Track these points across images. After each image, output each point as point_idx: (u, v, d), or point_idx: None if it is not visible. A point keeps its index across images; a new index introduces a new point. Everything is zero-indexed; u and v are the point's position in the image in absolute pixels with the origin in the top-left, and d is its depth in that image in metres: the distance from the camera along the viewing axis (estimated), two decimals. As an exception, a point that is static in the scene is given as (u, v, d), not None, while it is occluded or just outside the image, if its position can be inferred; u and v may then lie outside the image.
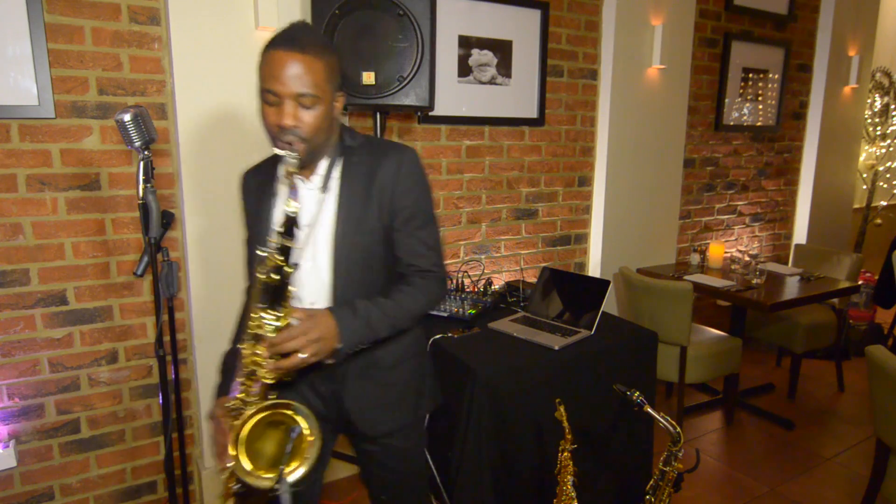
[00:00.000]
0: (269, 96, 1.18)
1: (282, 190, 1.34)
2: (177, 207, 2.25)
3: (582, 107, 3.23)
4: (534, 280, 2.89)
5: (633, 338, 2.31)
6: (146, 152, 1.64)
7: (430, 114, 2.68)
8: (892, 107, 4.91)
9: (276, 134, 1.19)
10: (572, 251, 3.37)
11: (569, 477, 1.80)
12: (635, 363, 2.27)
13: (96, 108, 2.09)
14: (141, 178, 1.64)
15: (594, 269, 3.40)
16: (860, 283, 3.85)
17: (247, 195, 1.44)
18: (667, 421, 1.65)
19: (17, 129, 1.98)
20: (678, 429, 1.66)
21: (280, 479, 1.11)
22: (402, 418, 1.45)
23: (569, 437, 1.79)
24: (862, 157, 4.81)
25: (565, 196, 3.28)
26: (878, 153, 4.96)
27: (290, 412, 1.18)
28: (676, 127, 3.51)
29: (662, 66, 3.29)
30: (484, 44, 2.86)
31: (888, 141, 4.93)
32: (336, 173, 1.31)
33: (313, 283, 1.32)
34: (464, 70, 2.83)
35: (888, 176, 5.05)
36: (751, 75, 3.92)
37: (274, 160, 1.38)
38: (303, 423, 1.16)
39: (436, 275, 1.38)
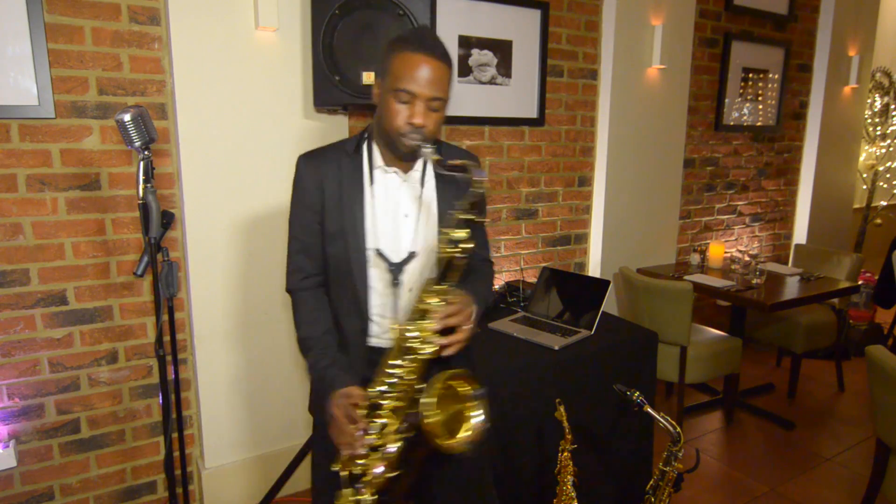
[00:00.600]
0: (404, 95, 1.26)
1: (378, 173, 1.39)
2: (177, 207, 2.25)
3: (582, 107, 3.23)
4: (534, 280, 2.89)
5: (633, 338, 2.31)
6: (146, 152, 1.64)
7: (430, 114, 2.68)
8: (892, 107, 4.91)
9: (402, 130, 1.28)
10: (572, 251, 3.37)
11: (569, 477, 1.80)
12: (635, 363, 2.27)
13: (96, 108, 2.09)
14: (141, 178, 1.64)
15: (594, 269, 3.40)
16: (860, 283, 3.86)
17: (317, 179, 1.39)
18: (667, 421, 1.65)
19: (17, 129, 1.98)
20: (678, 429, 1.66)
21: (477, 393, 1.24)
22: None
23: (569, 437, 1.79)
24: (862, 157, 4.81)
25: (565, 196, 3.28)
26: (878, 153, 4.96)
27: (460, 383, 1.27)
28: (676, 127, 3.51)
29: (662, 66, 3.29)
30: (484, 44, 2.86)
31: (888, 141, 4.93)
32: (430, 170, 1.42)
33: (416, 269, 1.40)
34: (464, 70, 2.82)
35: (888, 176, 5.06)
36: (751, 75, 3.92)
37: (342, 149, 1.42)
38: (476, 387, 1.28)
39: (491, 263, 1.60)
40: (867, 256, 4.21)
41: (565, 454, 1.80)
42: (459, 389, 1.27)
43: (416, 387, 1.28)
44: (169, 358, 1.92)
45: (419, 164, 1.41)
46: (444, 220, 1.39)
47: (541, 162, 3.16)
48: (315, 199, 1.39)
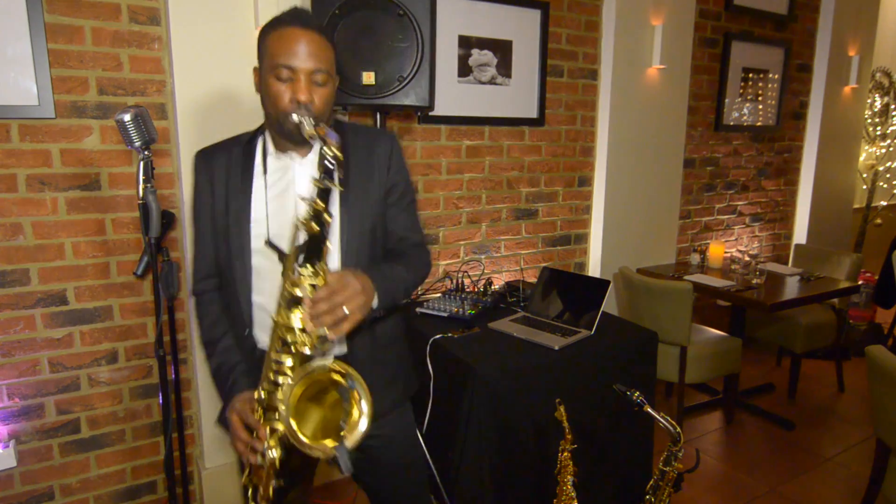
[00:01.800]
0: (284, 72, 1.19)
1: (270, 160, 1.31)
2: (177, 207, 2.25)
3: (582, 107, 3.23)
4: (534, 280, 2.89)
5: (633, 338, 2.31)
6: (146, 152, 1.64)
7: (430, 114, 2.68)
8: (892, 107, 4.91)
9: (288, 110, 1.19)
10: (572, 251, 3.37)
11: (569, 477, 1.80)
12: (635, 363, 2.27)
13: (96, 108, 2.09)
14: (141, 178, 1.64)
15: (594, 269, 3.40)
16: (860, 283, 3.85)
17: (210, 174, 1.34)
18: (667, 421, 1.65)
19: (17, 129, 1.98)
20: (678, 429, 1.66)
21: (341, 442, 1.07)
22: (394, 398, 1.46)
23: (569, 437, 1.79)
24: (862, 157, 4.81)
25: (565, 196, 3.28)
26: (878, 153, 4.96)
27: (334, 376, 1.12)
28: (676, 127, 3.51)
29: (662, 66, 3.29)
30: (484, 44, 2.86)
31: (888, 141, 4.92)
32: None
33: None
34: (464, 70, 2.83)
35: (888, 176, 5.05)
36: (751, 75, 3.92)
37: (238, 140, 1.35)
38: (346, 379, 1.12)
39: (425, 249, 1.46)
40: (867, 256, 4.21)
41: (565, 454, 1.80)
42: (335, 381, 1.13)
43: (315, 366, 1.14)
44: (169, 358, 1.92)
45: (317, 146, 1.27)
46: (350, 206, 1.30)
47: (541, 162, 3.16)
48: (206, 195, 1.34)
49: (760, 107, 4.04)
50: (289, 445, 1.13)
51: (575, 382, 2.10)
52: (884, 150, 4.95)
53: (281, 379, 1.14)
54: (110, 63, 2.09)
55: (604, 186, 3.29)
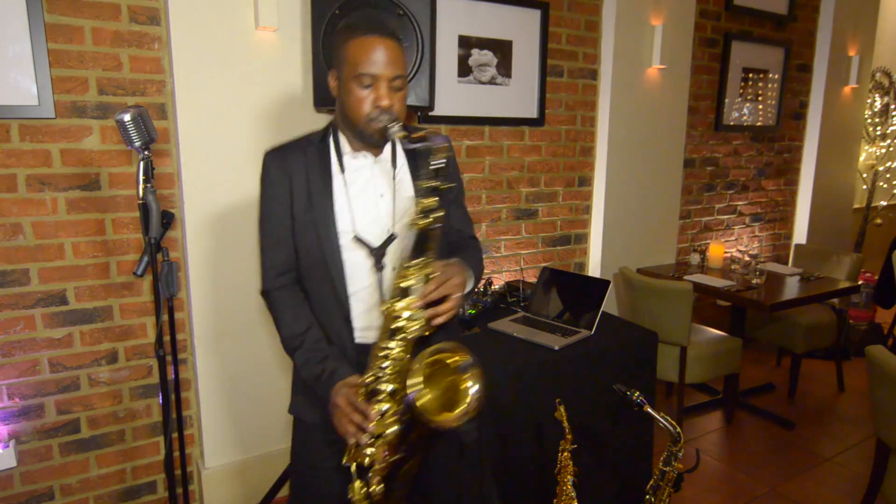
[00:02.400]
0: (366, 79, 1.26)
1: (346, 160, 1.38)
2: (177, 207, 2.25)
3: (582, 107, 3.23)
4: (534, 280, 2.89)
5: (633, 338, 2.31)
6: (146, 152, 1.64)
7: (430, 114, 2.68)
8: (892, 107, 4.91)
9: (371, 115, 1.27)
10: (572, 251, 3.37)
11: (569, 477, 1.80)
12: (635, 363, 2.27)
13: (96, 108, 2.09)
14: (141, 178, 1.64)
15: (594, 269, 3.40)
16: (860, 283, 3.85)
17: (284, 173, 1.37)
18: (667, 421, 1.65)
19: (17, 129, 1.98)
20: (678, 429, 1.66)
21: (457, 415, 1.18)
22: None
23: (569, 437, 1.79)
24: (862, 157, 4.81)
25: (565, 196, 3.28)
26: (878, 153, 4.96)
27: (450, 355, 1.23)
28: (676, 127, 3.51)
29: (662, 66, 3.29)
30: (484, 44, 2.86)
31: (888, 141, 4.92)
32: (399, 150, 1.41)
33: (398, 251, 1.36)
34: (464, 70, 2.83)
35: (888, 176, 5.05)
36: (751, 75, 3.92)
37: (309, 141, 1.41)
38: (465, 358, 1.23)
39: (478, 241, 1.58)
40: (867, 256, 4.21)
41: (565, 454, 1.80)
42: (449, 362, 1.23)
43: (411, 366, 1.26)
44: (169, 358, 1.92)
45: (388, 146, 1.39)
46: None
47: (541, 162, 3.16)
48: (283, 192, 1.37)
49: (760, 107, 4.04)
50: (409, 421, 1.22)
51: (575, 382, 2.10)
52: (884, 150, 4.95)
53: (388, 364, 1.24)
54: (110, 63, 2.09)
55: (604, 186, 3.29)
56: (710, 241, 3.96)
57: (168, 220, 1.74)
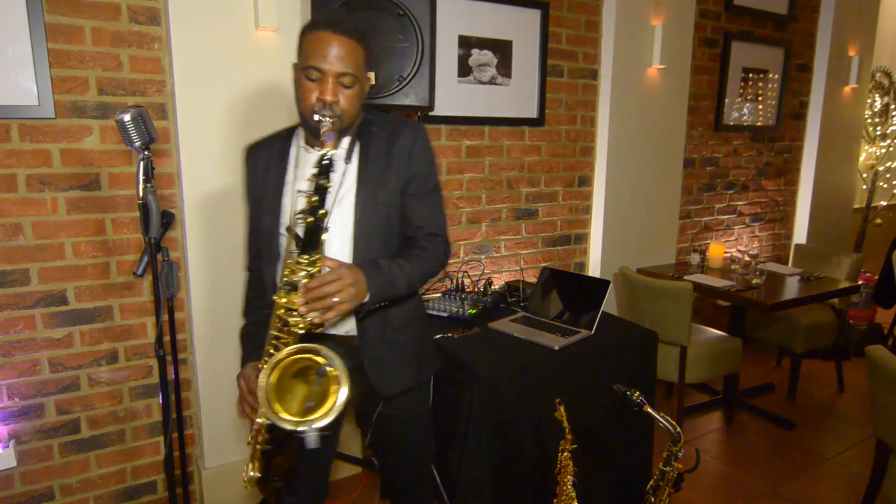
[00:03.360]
0: (313, 73, 1.28)
1: (301, 153, 1.42)
2: (177, 207, 2.25)
3: (582, 107, 3.23)
4: (534, 280, 2.89)
5: (633, 338, 2.31)
6: (146, 152, 1.64)
7: (430, 114, 2.68)
8: (892, 107, 4.90)
9: (314, 109, 1.29)
10: (572, 251, 3.37)
11: (569, 477, 1.80)
12: (635, 363, 2.27)
13: (96, 108, 2.09)
14: (141, 178, 1.64)
15: (594, 269, 3.40)
16: (860, 283, 3.85)
17: (254, 165, 1.48)
18: (667, 421, 1.65)
19: (17, 129, 1.98)
20: (678, 429, 1.66)
21: (306, 419, 1.19)
22: (409, 380, 1.53)
23: (569, 437, 1.79)
24: (862, 157, 4.81)
25: (565, 196, 3.28)
26: (878, 153, 4.96)
27: (319, 358, 1.21)
28: (676, 127, 3.51)
29: (662, 66, 3.29)
30: (484, 44, 2.86)
31: (888, 141, 4.92)
32: (357, 146, 1.42)
33: (336, 246, 1.39)
34: (464, 70, 2.82)
35: (888, 176, 5.05)
36: (751, 75, 3.92)
37: (281, 135, 1.48)
38: (331, 366, 1.21)
39: (442, 238, 1.52)
40: (867, 256, 4.20)
41: (565, 454, 1.80)
42: (307, 364, 1.23)
43: (298, 346, 1.26)
44: (169, 358, 1.92)
45: (345, 142, 1.41)
46: (364, 197, 1.39)
47: (541, 162, 3.16)
48: (254, 185, 1.48)
49: (760, 107, 4.04)
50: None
51: (575, 382, 2.10)
52: (884, 150, 4.95)
53: (273, 352, 1.26)
54: (110, 63, 2.09)
55: (604, 186, 3.29)
56: (710, 241, 3.96)
57: (168, 220, 1.74)
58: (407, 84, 2.08)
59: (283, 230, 1.39)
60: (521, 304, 2.60)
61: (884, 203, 5.17)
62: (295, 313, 1.22)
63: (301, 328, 1.24)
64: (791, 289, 3.12)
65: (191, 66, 2.10)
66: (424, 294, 2.78)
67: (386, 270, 1.34)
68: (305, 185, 1.33)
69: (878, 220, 5.08)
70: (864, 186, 4.93)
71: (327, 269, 1.24)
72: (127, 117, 1.57)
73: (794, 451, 2.91)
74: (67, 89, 2.03)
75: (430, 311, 2.44)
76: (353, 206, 1.39)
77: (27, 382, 2.11)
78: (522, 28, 2.95)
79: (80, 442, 2.23)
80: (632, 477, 2.28)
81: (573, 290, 2.43)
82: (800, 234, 4.41)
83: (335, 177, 1.34)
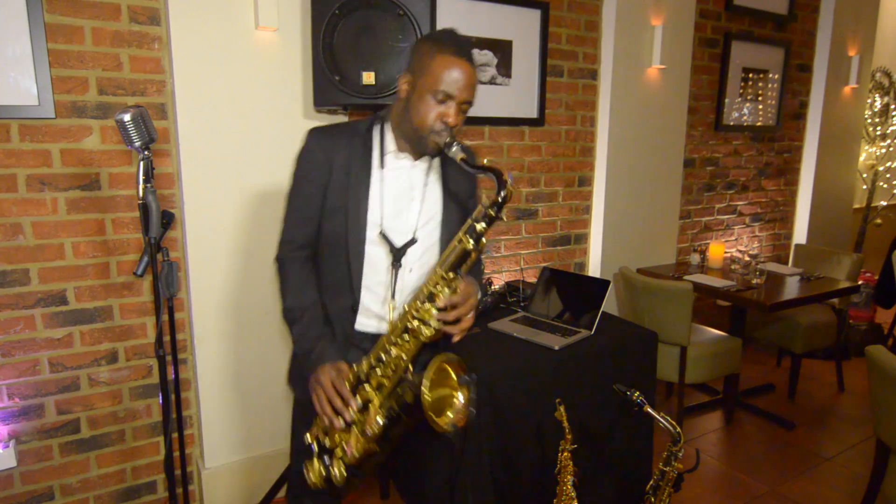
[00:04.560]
0: (442, 96, 1.32)
1: (388, 159, 1.42)
2: (177, 207, 2.25)
3: (582, 107, 3.23)
4: (534, 280, 2.89)
5: (633, 338, 2.31)
6: (146, 152, 1.64)
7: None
8: (892, 107, 4.91)
9: (436, 128, 1.33)
10: (572, 251, 3.37)
11: (569, 477, 1.80)
12: (635, 363, 2.27)
13: (96, 108, 2.09)
14: (141, 178, 1.64)
15: (594, 269, 3.40)
16: (860, 283, 3.85)
17: (327, 153, 1.40)
18: (667, 421, 1.65)
19: (17, 129, 1.98)
20: (678, 429, 1.66)
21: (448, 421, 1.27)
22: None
23: (569, 437, 1.79)
24: (862, 157, 4.81)
25: (565, 196, 3.28)
26: (878, 153, 4.96)
27: (450, 367, 1.30)
28: (676, 127, 3.51)
29: (662, 66, 3.29)
30: (484, 44, 2.86)
31: (888, 141, 4.92)
32: (436, 161, 1.47)
33: (415, 254, 1.44)
34: (464, 70, 2.82)
35: (888, 176, 5.05)
36: (751, 75, 3.92)
37: (356, 129, 1.44)
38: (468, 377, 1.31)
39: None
40: (867, 256, 4.20)
41: (565, 454, 1.80)
42: (451, 373, 1.31)
43: (406, 368, 1.32)
44: (169, 358, 1.92)
45: (426, 158, 1.45)
46: (448, 210, 1.47)
47: (541, 162, 3.16)
48: (322, 173, 1.41)
49: (760, 107, 4.04)
50: (396, 416, 1.28)
51: (575, 382, 2.10)
52: (884, 150, 4.95)
53: (387, 359, 1.31)
54: (110, 63, 2.09)
55: (604, 186, 3.29)
56: (710, 241, 3.96)
57: (168, 220, 1.74)
58: (407, 84, 2.07)
59: (369, 234, 1.40)
60: (521, 304, 2.60)
61: (884, 203, 5.17)
62: (419, 321, 1.29)
63: (425, 338, 1.30)
64: (791, 289, 3.12)
65: (191, 66, 2.10)
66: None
67: (480, 277, 1.48)
68: (414, 192, 1.42)
69: (878, 220, 5.08)
70: (864, 186, 4.93)
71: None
72: (127, 117, 1.57)
73: (794, 451, 2.91)
74: (67, 89, 2.03)
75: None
76: (439, 224, 1.46)
77: (27, 382, 2.11)
78: (522, 28, 2.95)
79: (80, 442, 2.23)
80: (632, 477, 2.27)
81: (573, 290, 2.43)
82: (800, 234, 4.41)
83: (420, 185, 1.44)
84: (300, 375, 1.46)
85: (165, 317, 1.91)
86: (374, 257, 1.42)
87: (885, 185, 5.10)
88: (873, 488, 2.12)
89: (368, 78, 2.08)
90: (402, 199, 1.43)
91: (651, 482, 1.74)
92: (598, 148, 3.30)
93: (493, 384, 1.94)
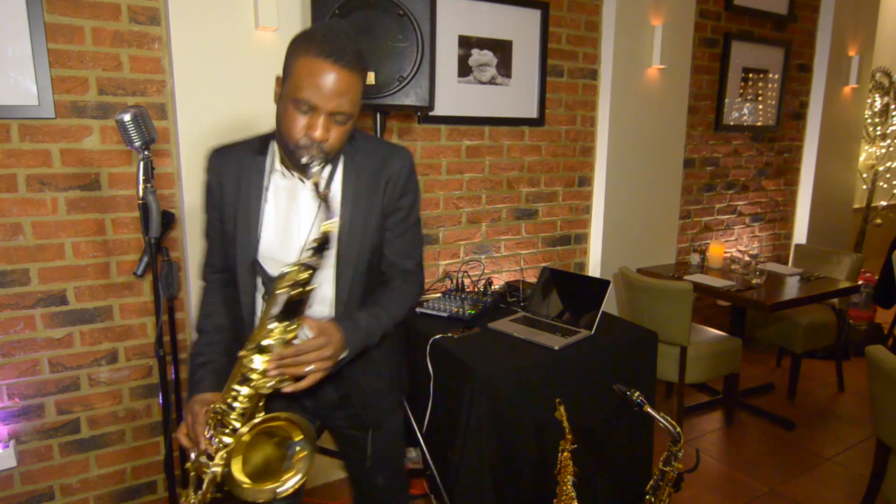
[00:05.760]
0: (304, 106, 1.13)
1: (275, 177, 1.28)
2: (177, 207, 2.25)
3: (582, 107, 3.23)
4: (534, 280, 2.89)
5: (633, 338, 2.31)
6: (146, 152, 1.64)
7: (430, 114, 2.68)
8: (892, 107, 4.91)
9: (301, 143, 1.15)
10: (572, 251, 3.37)
11: (569, 477, 1.80)
12: (635, 363, 2.27)
13: (96, 108, 2.09)
14: (141, 178, 1.64)
15: (594, 269, 3.40)
16: (860, 283, 3.85)
17: (219, 175, 1.31)
18: (667, 421, 1.65)
19: (17, 129, 1.98)
20: (678, 429, 1.66)
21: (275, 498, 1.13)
22: (389, 405, 1.49)
23: (569, 437, 1.79)
24: (862, 157, 4.81)
25: (565, 196, 3.28)
26: (878, 153, 4.96)
27: (284, 423, 1.15)
28: (676, 127, 3.51)
29: (662, 66, 3.29)
30: (484, 44, 2.86)
31: (888, 141, 4.92)
32: (338, 174, 1.28)
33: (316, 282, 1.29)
34: (464, 70, 2.82)
35: (888, 176, 5.05)
36: (751, 75, 3.92)
37: (251, 145, 1.31)
38: (298, 437, 1.16)
39: (416, 276, 1.41)
40: (867, 256, 4.21)
41: (565, 454, 1.80)
42: (279, 434, 1.16)
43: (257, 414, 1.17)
44: (169, 358, 1.92)
45: (326, 172, 1.26)
46: (352, 226, 1.28)
47: (541, 162, 3.16)
48: (215, 197, 1.32)
49: (760, 107, 4.04)
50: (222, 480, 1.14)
51: (575, 382, 2.10)
52: (884, 150, 4.95)
53: (237, 404, 1.15)
54: (110, 63, 2.09)
55: (604, 186, 3.29)
56: (710, 241, 3.96)
57: (168, 220, 1.74)
58: (407, 84, 2.08)
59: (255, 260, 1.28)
60: (521, 304, 2.60)
61: (884, 203, 5.17)
62: (259, 374, 1.13)
63: (267, 389, 1.14)
64: (791, 289, 3.12)
65: (191, 66, 2.10)
66: (424, 294, 2.78)
67: (363, 326, 1.25)
68: (302, 215, 1.25)
69: (878, 220, 5.08)
70: (864, 186, 4.94)
71: (304, 330, 1.15)
72: (127, 117, 1.58)
73: (794, 451, 2.91)
74: (67, 89, 2.03)
75: (430, 311, 2.44)
76: (336, 242, 1.26)
77: (27, 382, 2.11)
78: (522, 28, 2.95)
79: (80, 442, 2.23)
80: (632, 477, 2.28)
81: (573, 290, 2.43)
82: (800, 234, 4.41)
83: (313, 208, 1.25)
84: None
85: (165, 317, 1.91)
86: (255, 286, 1.30)
87: (885, 185, 5.10)
88: (873, 488, 2.12)
89: (368, 78, 2.07)
90: (285, 223, 1.27)
91: (651, 482, 1.74)
92: (598, 148, 3.30)
93: (493, 384, 1.94)
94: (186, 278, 2.26)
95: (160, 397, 1.82)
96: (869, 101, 4.73)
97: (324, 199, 1.14)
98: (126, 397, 2.28)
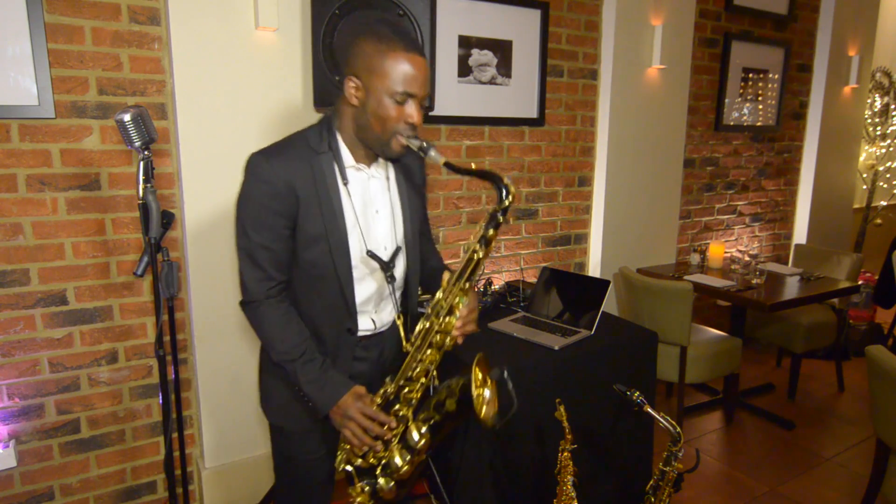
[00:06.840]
0: (403, 97, 1.25)
1: (355, 179, 1.36)
2: (177, 207, 2.25)
3: (582, 107, 3.23)
4: (534, 280, 2.89)
5: (633, 338, 2.31)
6: (146, 152, 1.64)
7: (430, 114, 2.68)
8: (892, 107, 4.91)
9: (400, 130, 1.27)
10: (572, 251, 3.37)
11: (569, 477, 1.79)
12: (635, 363, 2.27)
13: (96, 108, 2.09)
14: (141, 178, 1.64)
15: (594, 269, 3.40)
16: (860, 283, 3.85)
17: (292, 182, 1.28)
18: (667, 421, 1.65)
19: (17, 129, 1.98)
20: (678, 429, 1.66)
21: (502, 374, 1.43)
22: None
23: (569, 437, 1.79)
24: (862, 157, 4.81)
25: (565, 196, 3.28)
26: (878, 153, 4.96)
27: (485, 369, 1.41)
28: (676, 127, 3.51)
29: (662, 66, 3.29)
30: (484, 44, 2.86)
31: (888, 141, 4.92)
32: (390, 165, 1.45)
33: (403, 264, 1.47)
34: (464, 70, 2.82)
35: (888, 176, 5.05)
36: (751, 75, 3.92)
37: (311, 145, 1.32)
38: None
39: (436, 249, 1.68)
40: (867, 256, 4.21)
41: (565, 454, 1.80)
42: (479, 372, 1.39)
43: (427, 378, 1.38)
44: (169, 358, 1.92)
45: (381, 160, 1.40)
46: (411, 208, 1.46)
47: (541, 162, 3.16)
48: (287, 204, 1.28)
49: (760, 107, 4.04)
50: (439, 425, 1.35)
51: (575, 382, 2.10)
52: (884, 150, 4.95)
53: (416, 372, 1.36)
54: (110, 63, 2.09)
55: (604, 186, 3.29)
56: (710, 241, 3.96)
57: (168, 220, 1.74)
58: (407, 84, 2.07)
59: (353, 255, 1.35)
60: (521, 304, 2.60)
61: (884, 203, 5.17)
62: (442, 333, 1.35)
63: (447, 348, 1.39)
64: (791, 289, 3.12)
65: (191, 66, 2.10)
66: (424, 294, 2.78)
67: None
68: (378, 203, 1.39)
69: (878, 220, 5.08)
70: (864, 186, 4.94)
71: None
72: (127, 117, 1.57)
73: (794, 451, 2.91)
74: (67, 89, 2.03)
75: (430, 311, 2.44)
76: (401, 218, 1.44)
77: (27, 382, 2.11)
78: (522, 28, 2.95)
79: (80, 442, 2.23)
80: (632, 477, 2.28)
81: (573, 290, 2.43)
82: (800, 234, 4.41)
83: (380, 193, 1.40)
84: (278, 404, 1.45)
85: (165, 317, 1.91)
86: (363, 275, 1.39)
87: (885, 185, 5.10)
88: (873, 488, 2.12)
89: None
90: (369, 212, 1.38)
91: (651, 482, 1.74)
92: (598, 148, 3.30)
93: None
94: (186, 278, 2.26)
95: (160, 397, 1.82)
96: (869, 101, 4.73)
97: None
98: (126, 397, 2.28)
